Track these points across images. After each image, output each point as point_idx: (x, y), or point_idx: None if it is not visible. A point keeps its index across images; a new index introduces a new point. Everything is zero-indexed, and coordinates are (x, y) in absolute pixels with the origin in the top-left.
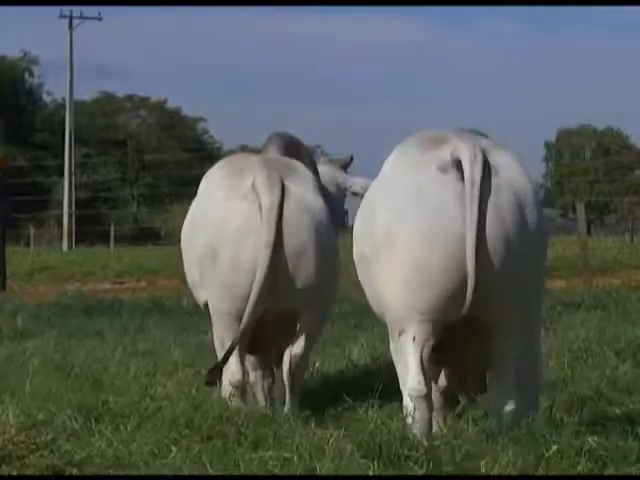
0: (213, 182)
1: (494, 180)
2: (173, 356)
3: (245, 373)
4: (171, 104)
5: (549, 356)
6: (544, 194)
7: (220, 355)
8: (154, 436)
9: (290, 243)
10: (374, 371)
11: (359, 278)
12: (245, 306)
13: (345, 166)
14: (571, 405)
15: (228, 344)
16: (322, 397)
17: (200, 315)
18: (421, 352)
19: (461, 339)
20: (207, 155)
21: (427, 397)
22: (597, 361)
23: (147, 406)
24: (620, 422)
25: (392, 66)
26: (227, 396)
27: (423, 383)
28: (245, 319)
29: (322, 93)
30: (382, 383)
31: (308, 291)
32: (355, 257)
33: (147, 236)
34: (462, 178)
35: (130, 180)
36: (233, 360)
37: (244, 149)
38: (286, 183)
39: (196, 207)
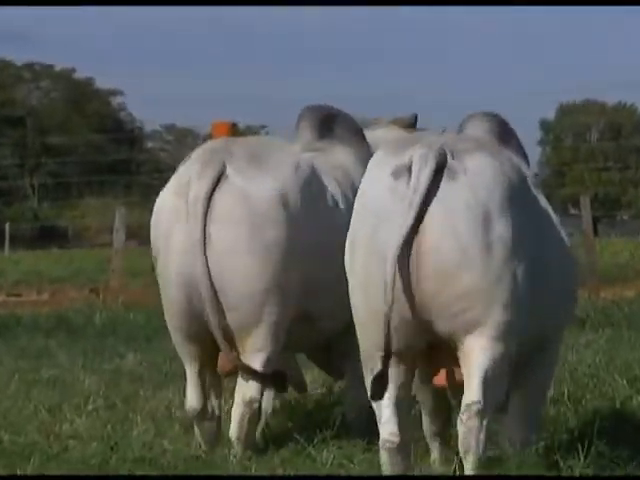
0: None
1: (448, 185)
2: (83, 385)
3: (204, 400)
4: (80, 74)
5: None
6: (540, 185)
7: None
8: None
9: (217, 242)
10: (330, 404)
11: None
12: (179, 320)
13: (410, 126)
14: (573, 444)
15: (188, 367)
16: (268, 434)
17: (117, 335)
18: (395, 393)
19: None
20: (125, 137)
21: (401, 448)
22: (605, 391)
23: (51, 446)
24: (633, 466)
25: (367, 33)
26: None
27: (396, 433)
28: (215, 333)
29: (263, 66)
30: (340, 418)
31: (242, 301)
32: None
33: (50, 237)
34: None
35: (30, 167)
36: (189, 385)
37: (171, 129)
38: (230, 172)
39: None
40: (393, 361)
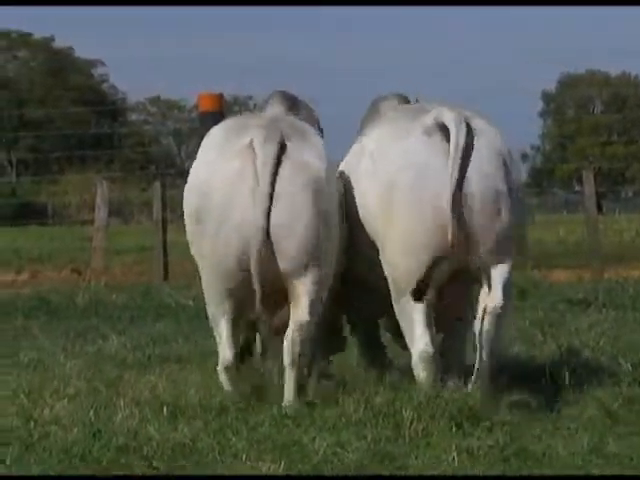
0: (210, 142)
1: (477, 141)
2: (64, 369)
3: (237, 354)
4: (60, 43)
5: (544, 368)
6: (541, 159)
7: (217, 337)
8: (39, 468)
9: (281, 204)
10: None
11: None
12: (235, 273)
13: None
14: (575, 429)
15: (222, 323)
16: (257, 419)
17: (99, 316)
18: (425, 311)
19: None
20: (107, 110)
21: (435, 358)
22: (610, 376)
23: (31, 432)
24: (637, 453)
25: None
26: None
27: (430, 344)
28: (256, 286)
29: (257, 29)
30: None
31: (301, 261)
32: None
33: (29, 214)
34: (447, 139)
35: (7, 142)
36: (223, 340)
37: (156, 101)
38: (287, 143)
39: (191, 171)
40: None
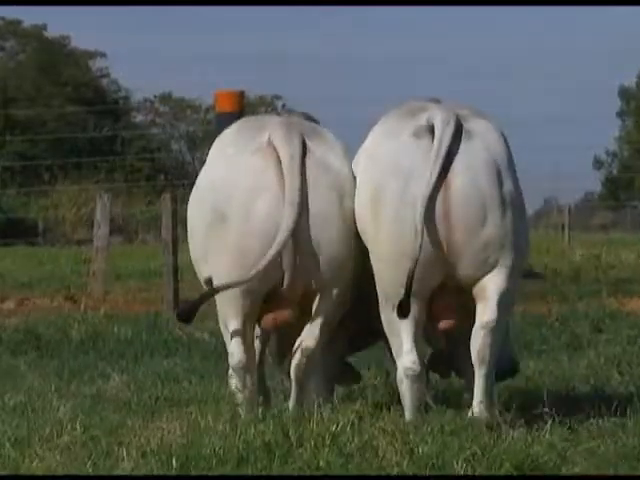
0: (225, 140)
1: (468, 145)
2: (57, 414)
3: (247, 353)
4: (53, 31)
5: (622, 412)
6: (618, 166)
7: (227, 341)
8: None
9: (312, 205)
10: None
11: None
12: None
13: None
14: None
15: (233, 322)
16: (282, 471)
17: (98, 351)
18: (413, 329)
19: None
20: (108, 110)
21: (421, 376)
22: None
23: None
24: None
25: None
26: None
27: (417, 362)
28: (256, 285)
29: (279, 23)
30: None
31: (330, 265)
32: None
33: (17, 231)
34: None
35: None
36: (233, 339)
37: (166, 99)
38: (307, 141)
39: (205, 168)
40: (412, 300)
